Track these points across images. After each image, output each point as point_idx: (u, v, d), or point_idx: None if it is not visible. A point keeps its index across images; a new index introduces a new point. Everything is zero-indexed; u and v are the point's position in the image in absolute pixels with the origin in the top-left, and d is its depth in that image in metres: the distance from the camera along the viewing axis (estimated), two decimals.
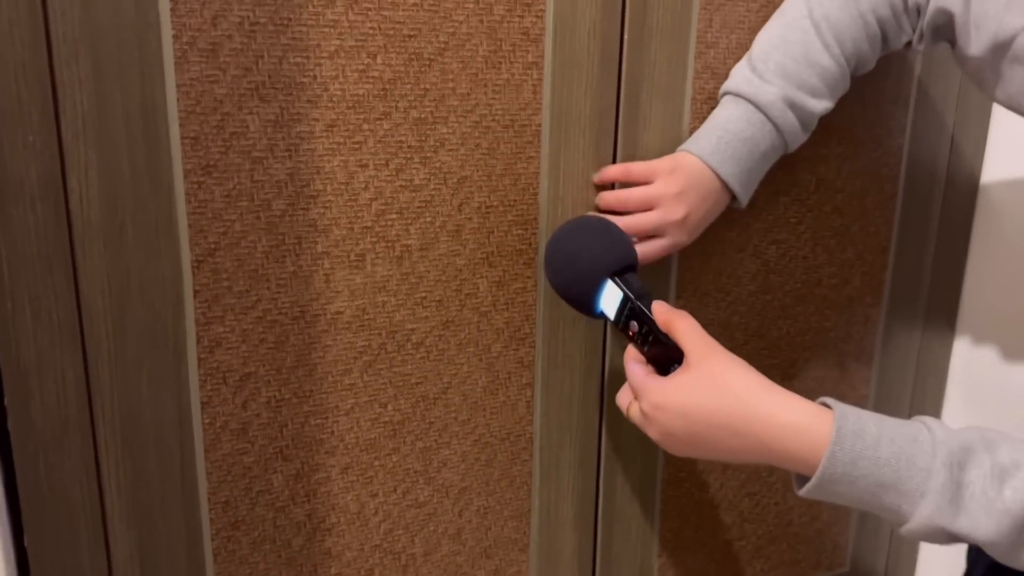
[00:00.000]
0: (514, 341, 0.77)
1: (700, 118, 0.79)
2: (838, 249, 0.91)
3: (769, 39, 0.74)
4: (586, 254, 0.67)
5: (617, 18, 0.73)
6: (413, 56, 0.67)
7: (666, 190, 0.72)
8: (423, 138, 0.69)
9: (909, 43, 0.76)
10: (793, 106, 0.72)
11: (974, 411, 1.01)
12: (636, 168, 0.74)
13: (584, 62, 0.73)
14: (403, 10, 0.66)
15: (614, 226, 0.69)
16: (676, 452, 0.62)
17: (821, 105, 0.74)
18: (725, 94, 0.75)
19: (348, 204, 0.68)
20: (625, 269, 0.67)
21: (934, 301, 0.99)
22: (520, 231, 0.75)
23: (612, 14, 0.73)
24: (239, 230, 0.64)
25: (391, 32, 0.66)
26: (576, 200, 0.76)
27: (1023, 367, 0.97)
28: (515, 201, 0.74)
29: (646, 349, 0.65)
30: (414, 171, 0.70)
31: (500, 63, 0.70)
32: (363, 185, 0.68)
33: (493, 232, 0.74)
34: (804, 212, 0.88)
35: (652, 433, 0.62)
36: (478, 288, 0.75)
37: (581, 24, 0.72)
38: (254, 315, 0.66)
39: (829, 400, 0.58)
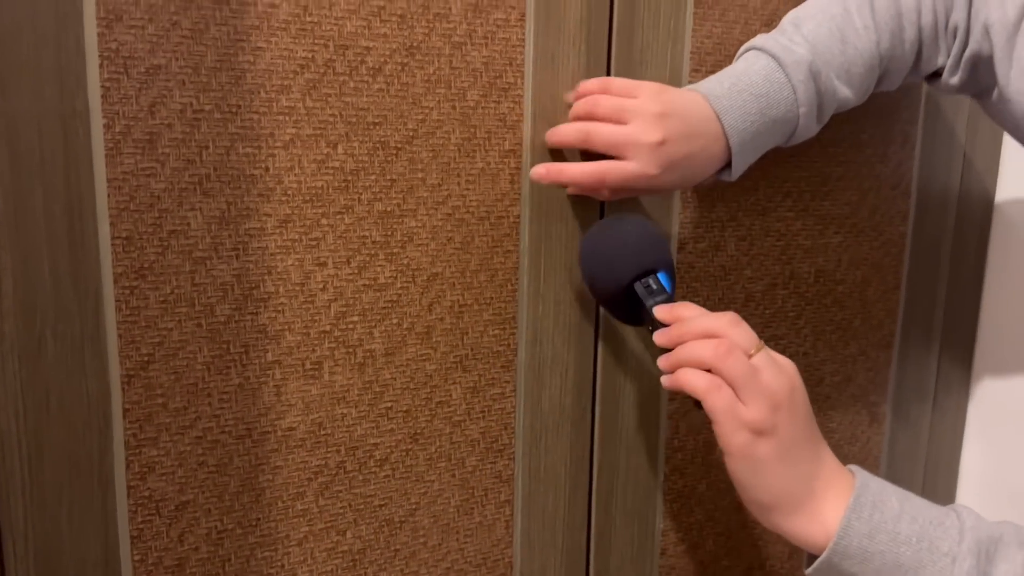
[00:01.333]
0: (491, 453, 0.70)
1: (690, 207, 0.74)
2: (840, 344, 0.84)
3: (804, 10, 0.67)
4: (655, 239, 0.63)
5: None
6: (378, 145, 0.61)
7: (646, 107, 0.62)
8: (389, 232, 0.63)
9: (939, 73, 0.70)
10: (817, 78, 0.64)
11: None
12: (617, 82, 0.65)
13: (565, 149, 0.67)
14: (367, 96, 0.60)
15: None
16: (774, 421, 0.53)
17: (844, 91, 0.66)
18: (747, 51, 0.67)
19: (303, 307, 0.61)
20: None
21: (941, 399, 0.92)
22: (497, 331, 0.68)
23: None
24: (177, 339, 0.57)
25: (354, 119, 0.60)
26: (560, 296, 0.69)
27: None
28: (492, 299, 0.68)
29: None
30: (379, 269, 0.63)
31: (474, 151, 0.65)
32: (321, 285, 0.61)
33: (467, 333, 0.67)
34: (803, 305, 0.82)
35: (784, 384, 0.54)
36: (450, 395, 0.67)
37: (562, 109, 0.66)
38: (192, 435, 0.58)
39: (853, 467, 0.55)
